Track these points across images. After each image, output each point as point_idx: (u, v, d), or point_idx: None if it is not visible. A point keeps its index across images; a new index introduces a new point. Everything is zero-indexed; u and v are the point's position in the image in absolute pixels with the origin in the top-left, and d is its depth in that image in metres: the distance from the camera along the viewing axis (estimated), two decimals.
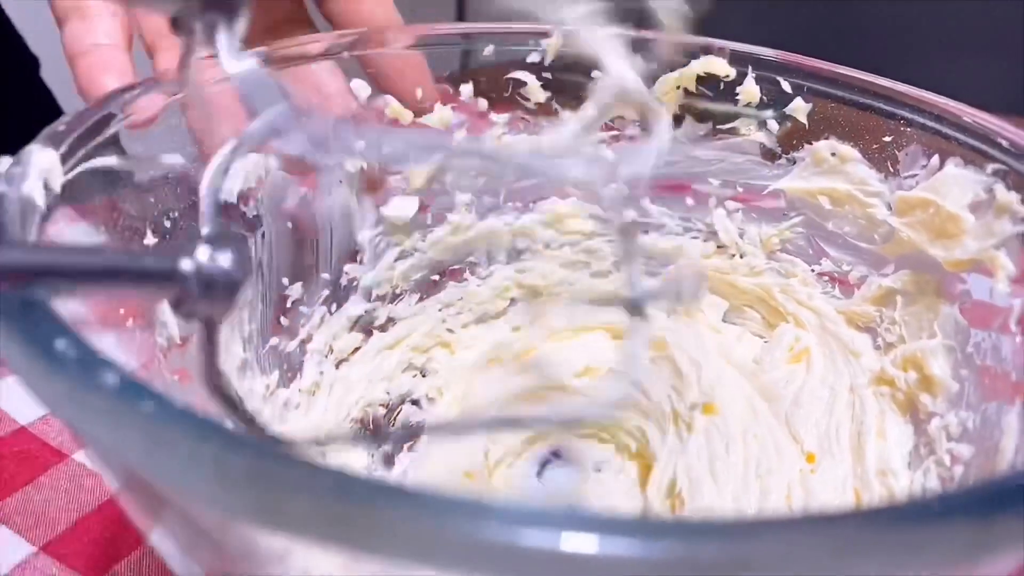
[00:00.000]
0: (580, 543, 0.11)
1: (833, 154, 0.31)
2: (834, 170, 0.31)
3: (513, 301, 0.38)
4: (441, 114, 0.34)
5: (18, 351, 0.13)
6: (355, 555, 0.12)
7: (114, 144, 0.24)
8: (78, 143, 0.21)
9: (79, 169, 0.21)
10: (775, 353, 0.32)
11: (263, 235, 0.30)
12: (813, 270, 0.33)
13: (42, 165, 0.19)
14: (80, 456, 0.33)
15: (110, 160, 0.23)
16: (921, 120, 0.29)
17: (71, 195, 0.20)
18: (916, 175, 0.29)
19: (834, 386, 0.30)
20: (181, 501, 0.14)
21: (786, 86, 0.33)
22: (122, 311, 0.22)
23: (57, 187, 0.19)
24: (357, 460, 0.31)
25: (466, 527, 0.11)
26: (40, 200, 0.18)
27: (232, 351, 0.28)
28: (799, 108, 0.32)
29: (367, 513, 0.11)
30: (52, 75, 0.61)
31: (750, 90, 0.33)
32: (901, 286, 0.29)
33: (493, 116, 0.35)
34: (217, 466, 0.11)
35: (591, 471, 0.33)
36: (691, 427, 0.29)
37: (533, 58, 0.35)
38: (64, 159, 0.20)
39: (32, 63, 0.61)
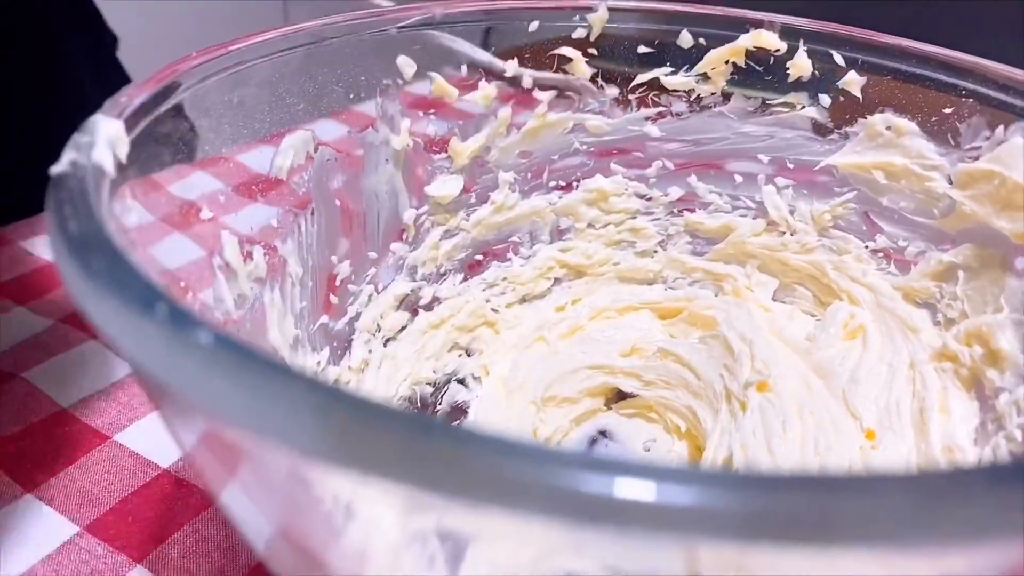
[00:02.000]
0: (665, 492, 0.10)
1: (888, 128, 0.31)
2: (889, 144, 0.31)
3: (557, 280, 0.38)
4: (485, 91, 0.34)
5: (109, 309, 0.13)
6: (419, 496, 0.11)
7: (178, 114, 0.24)
8: (142, 112, 0.21)
9: (142, 140, 0.21)
10: (829, 330, 0.31)
11: (312, 212, 0.30)
12: (867, 247, 0.33)
13: (108, 134, 0.19)
14: (120, 437, 0.34)
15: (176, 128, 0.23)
16: (984, 90, 0.28)
17: (136, 166, 0.20)
18: (979, 147, 0.28)
19: (892, 362, 0.29)
20: (262, 453, 0.14)
21: (839, 59, 0.32)
22: (182, 284, 0.22)
23: (123, 157, 0.19)
24: None
25: (533, 468, 0.11)
26: (110, 168, 0.18)
27: (285, 328, 0.28)
28: (852, 81, 0.32)
29: (437, 449, 0.11)
30: (128, 55, 0.61)
31: (801, 64, 0.32)
32: (963, 261, 0.29)
33: (537, 93, 0.35)
34: (315, 411, 0.11)
35: (640, 450, 0.33)
36: (745, 405, 0.29)
37: (579, 34, 0.34)
38: (129, 128, 0.20)
39: (111, 41, 0.61)
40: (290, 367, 0.12)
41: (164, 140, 0.23)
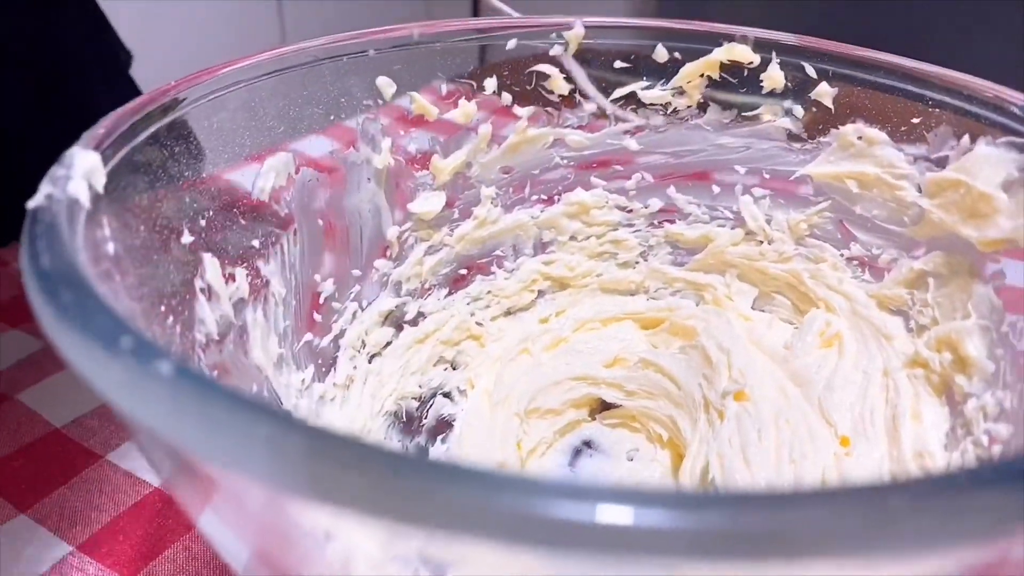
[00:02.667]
0: (618, 515, 0.11)
1: (860, 138, 0.31)
2: (862, 153, 0.31)
3: (540, 293, 0.38)
4: (465, 109, 0.35)
5: (75, 343, 0.13)
6: (398, 528, 0.12)
7: (156, 142, 0.24)
8: (120, 142, 0.22)
9: (121, 169, 0.22)
10: (806, 338, 0.32)
11: (295, 232, 0.30)
12: (842, 254, 0.33)
13: (85, 166, 0.20)
14: (113, 456, 0.34)
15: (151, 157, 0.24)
16: (950, 100, 0.29)
17: (114, 195, 0.21)
18: (946, 156, 0.29)
19: (867, 370, 0.29)
20: (233, 483, 0.14)
21: (811, 71, 0.32)
22: (162, 308, 0.23)
23: (100, 187, 0.20)
24: None
25: (509, 500, 0.11)
26: (85, 200, 0.19)
27: (268, 347, 0.28)
28: (824, 93, 0.32)
29: (413, 485, 0.11)
30: (141, 72, 0.61)
31: (774, 76, 0.33)
32: (933, 268, 0.29)
33: (517, 109, 0.36)
34: (272, 445, 0.12)
35: (624, 460, 0.34)
36: (722, 414, 0.29)
37: (556, 51, 0.35)
38: (107, 158, 0.21)
39: (125, 58, 0.60)
40: (253, 399, 0.13)
41: (143, 168, 0.23)
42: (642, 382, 0.34)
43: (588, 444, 0.35)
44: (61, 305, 0.14)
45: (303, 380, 0.30)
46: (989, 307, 0.26)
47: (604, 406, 0.36)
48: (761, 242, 0.35)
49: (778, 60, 0.33)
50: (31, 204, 0.18)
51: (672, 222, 0.37)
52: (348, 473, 0.11)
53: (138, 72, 0.62)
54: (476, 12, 1.27)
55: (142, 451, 0.18)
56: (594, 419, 0.35)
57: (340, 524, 0.14)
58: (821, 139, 0.33)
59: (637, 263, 0.38)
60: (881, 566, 0.12)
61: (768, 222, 0.35)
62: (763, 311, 0.36)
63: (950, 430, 0.26)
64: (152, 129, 0.24)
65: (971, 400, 0.25)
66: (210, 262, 0.26)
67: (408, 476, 0.11)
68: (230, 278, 0.27)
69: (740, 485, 0.26)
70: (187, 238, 0.25)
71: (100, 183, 0.20)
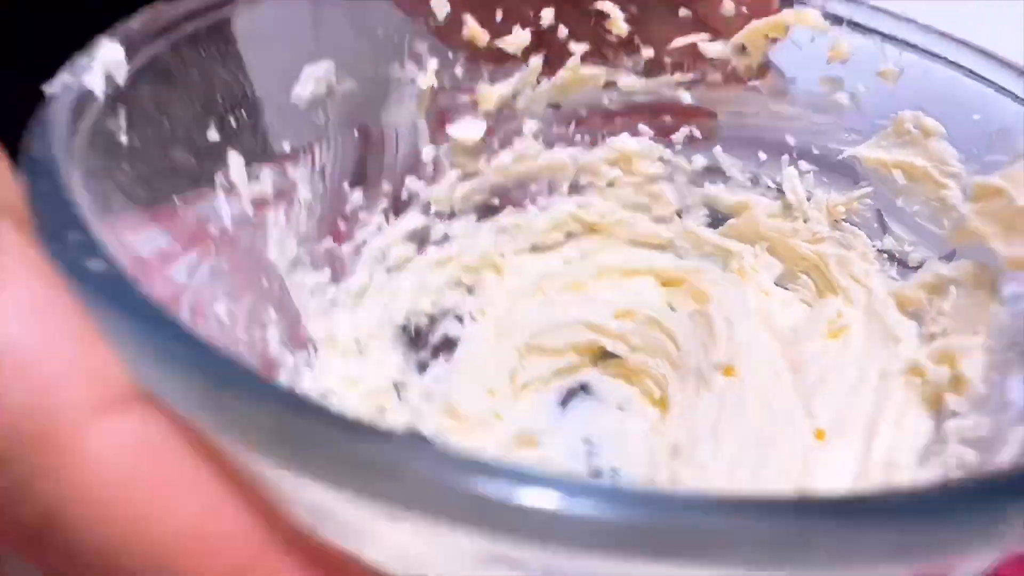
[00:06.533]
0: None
1: (916, 127, 0.29)
2: (915, 143, 0.29)
3: (569, 235, 0.38)
4: (519, 37, 0.34)
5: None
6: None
7: (190, 44, 0.25)
8: (151, 39, 0.23)
9: (149, 65, 0.23)
10: (815, 325, 0.31)
11: (328, 140, 0.31)
12: (874, 245, 0.32)
13: (107, 59, 0.21)
14: None
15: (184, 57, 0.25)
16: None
17: (138, 89, 0.22)
18: (1001, 159, 0.27)
19: (865, 368, 0.29)
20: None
21: (879, 47, 0.30)
22: (177, 201, 0.24)
23: (121, 81, 0.21)
24: (394, 362, 0.33)
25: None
26: (99, 92, 0.20)
27: (286, 248, 0.30)
28: (889, 73, 0.30)
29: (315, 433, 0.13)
30: None
31: (841, 48, 0.31)
32: (960, 276, 0.27)
33: (572, 46, 0.35)
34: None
35: (614, 409, 0.34)
36: (708, 385, 0.29)
37: None
38: (133, 53, 0.22)
39: None
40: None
41: (174, 67, 0.24)
42: (647, 338, 0.34)
43: (584, 388, 0.35)
44: (36, 193, 0.16)
45: (317, 282, 0.32)
46: (999, 329, 0.25)
47: (608, 355, 0.36)
48: (797, 218, 0.34)
49: (848, 31, 0.31)
50: (48, 89, 0.19)
51: (713, 183, 0.36)
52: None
53: None
54: None
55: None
56: (596, 366, 0.36)
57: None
58: (877, 120, 0.31)
59: (670, 220, 0.37)
60: None
61: (808, 199, 0.34)
62: (786, 288, 0.35)
63: (929, 444, 0.26)
64: (189, 29, 0.25)
65: (954, 420, 0.25)
66: (235, 160, 0.27)
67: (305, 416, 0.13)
68: (254, 178, 0.28)
69: (702, 459, 0.27)
70: (213, 135, 0.27)
71: (121, 76, 0.21)
